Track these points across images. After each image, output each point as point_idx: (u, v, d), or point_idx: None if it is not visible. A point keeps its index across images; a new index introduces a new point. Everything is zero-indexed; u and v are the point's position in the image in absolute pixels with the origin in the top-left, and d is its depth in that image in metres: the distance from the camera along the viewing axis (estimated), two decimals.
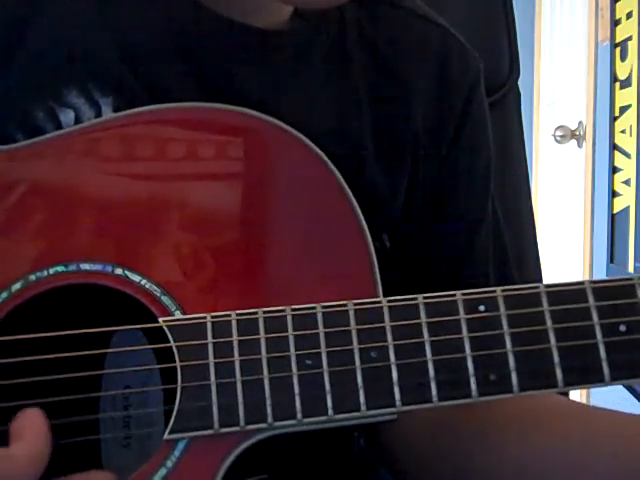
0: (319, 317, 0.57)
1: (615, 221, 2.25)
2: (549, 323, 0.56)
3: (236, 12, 0.70)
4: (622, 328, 0.56)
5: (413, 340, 0.56)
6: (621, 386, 0.58)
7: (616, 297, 0.57)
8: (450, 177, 0.78)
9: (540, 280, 1.08)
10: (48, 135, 0.62)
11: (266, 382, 0.55)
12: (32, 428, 0.53)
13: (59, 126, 0.65)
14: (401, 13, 0.79)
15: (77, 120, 0.65)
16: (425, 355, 0.56)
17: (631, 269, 2.11)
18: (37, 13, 0.67)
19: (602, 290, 0.57)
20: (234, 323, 0.56)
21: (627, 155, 2.17)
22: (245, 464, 0.57)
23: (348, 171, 0.62)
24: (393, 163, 0.75)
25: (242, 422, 0.55)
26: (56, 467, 0.54)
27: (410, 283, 0.66)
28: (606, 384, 0.56)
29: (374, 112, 0.74)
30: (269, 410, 0.55)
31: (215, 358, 0.56)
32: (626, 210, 2.16)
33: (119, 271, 0.59)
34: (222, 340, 0.56)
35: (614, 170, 2.27)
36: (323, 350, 0.56)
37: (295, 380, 0.55)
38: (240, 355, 0.56)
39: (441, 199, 0.78)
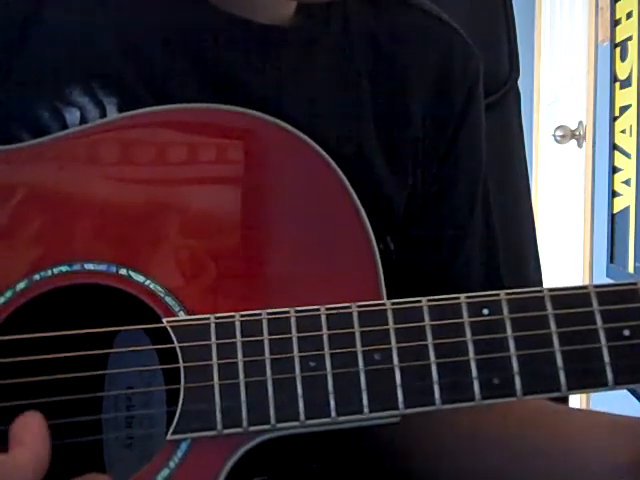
0: (323, 319, 0.57)
1: (615, 221, 2.24)
2: (553, 327, 0.56)
3: (239, 8, 0.70)
4: (626, 332, 0.56)
5: (417, 343, 0.56)
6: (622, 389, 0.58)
7: (620, 301, 0.57)
8: (447, 176, 0.78)
9: (540, 280, 1.08)
10: (51, 136, 0.62)
11: (269, 383, 0.55)
12: (32, 432, 0.53)
13: (64, 125, 0.65)
14: (405, 9, 0.78)
15: (82, 119, 0.65)
16: (429, 358, 0.56)
17: (631, 269, 2.11)
18: (40, 12, 0.66)
19: (606, 294, 0.57)
20: (238, 324, 0.56)
21: (627, 155, 2.17)
22: (246, 465, 0.57)
23: (352, 171, 0.62)
24: (397, 162, 0.75)
25: (245, 423, 0.55)
26: (58, 467, 0.54)
27: (414, 285, 0.66)
28: (610, 388, 0.56)
29: (377, 110, 0.74)
30: (272, 412, 0.55)
31: (218, 359, 0.56)
32: (626, 210, 2.16)
33: (123, 271, 0.59)
34: (226, 341, 0.56)
35: (614, 170, 2.26)
36: (326, 352, 0.56)
37: (298, 382, 0.55)
38: (243, 356, 0.56)
39: (438, 200, 0.78)
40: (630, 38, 2.17)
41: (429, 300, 0.57)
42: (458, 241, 0.79)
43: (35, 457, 0.52)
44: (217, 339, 0.56)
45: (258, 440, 0.56)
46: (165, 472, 0.56)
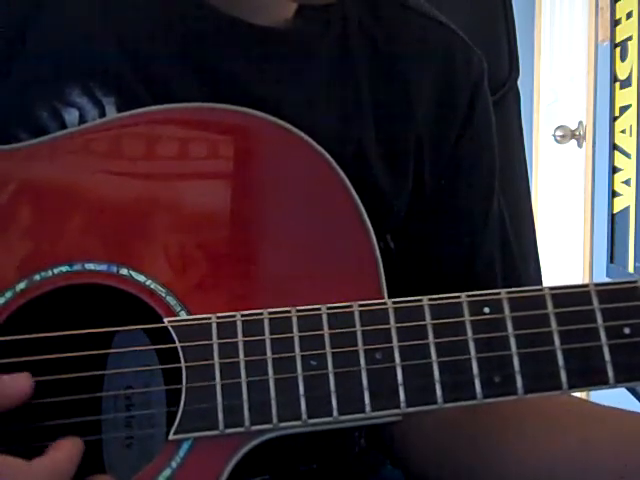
0: (324, 318, 0.57)
1: (615, 221, 2.24)
2: (554, 325, 0.56)
3: (239, 10, 0.70)
4: (626, 330, 0.56)
5: (418, 342, 0.56)
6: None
7: (620, 300, 0.57)
8: (454, 177, 0.78)
9: (540, 281, 1.08)
10: (50, 135, 0.63)
11: (271, 383, 0.55)
12: (61, 447, 0.54)
13: (63, 125, 0.65)
14: (404, 12, 0.78)
15: (81, 119, 0.65)
16: (430, 357, 0.56)
17: (631, 269, 2.11)
18: (39, 12, 0.67)
19: (606, 292, 0.57)
20: (239, 324, 0.56)
21: (627, 155, 2.16)
22: (247, 465, 0.57)
23: (351, 171, 0.62)
24: (396, 163, 0.75)
25: (247, 423, 0.55)
26: None
27: (415, 284, 0.66)
28: (610, 386, 0.56)
29: (376, 112, 0.74)
30: (274, 411, 0.55)
31: (220, 359, 0.56)
32: (626, 210, 2.16)
33: (124, 271, 0.59)
34: (227, 341, 0.56)
35: (614, 170, 2.26)
36: (328, 351, 0.56)
37: (300, 381, 0.56)
38: (245, 356, 0.56)
39: (445, 199, 0.78)
40: (630, 38, 2.17)
41: (430, 299, 0.57)
42: (477, 238, 0.79)
43: (51, 469, 0.52)
44: (219, 339, 0.56)
45: (260, 439, 0.56)
46: (167, 472, 0.56)
